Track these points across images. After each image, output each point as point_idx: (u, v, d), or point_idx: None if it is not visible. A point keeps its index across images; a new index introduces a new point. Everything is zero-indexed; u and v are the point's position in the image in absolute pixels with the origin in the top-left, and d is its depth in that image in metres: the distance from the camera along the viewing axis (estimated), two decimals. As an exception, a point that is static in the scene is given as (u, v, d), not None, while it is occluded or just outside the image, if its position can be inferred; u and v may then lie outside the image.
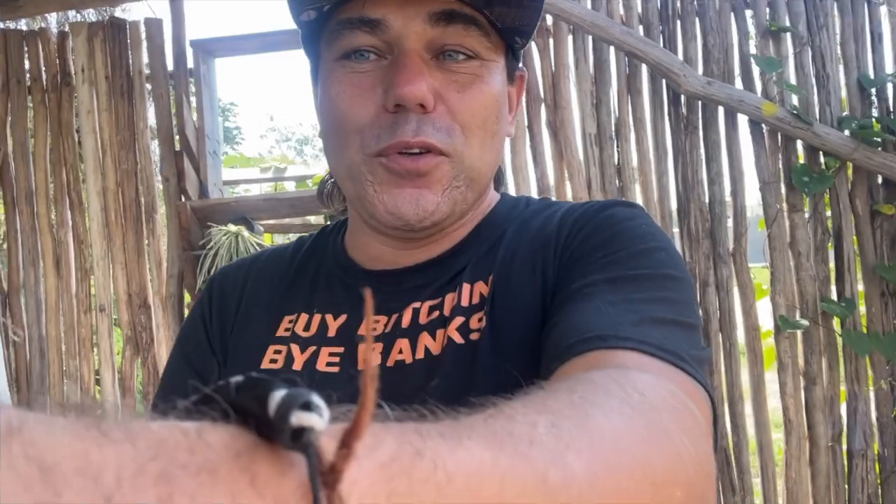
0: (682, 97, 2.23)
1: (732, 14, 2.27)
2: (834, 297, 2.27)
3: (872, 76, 2.25)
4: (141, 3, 2.58)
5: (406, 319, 0.58)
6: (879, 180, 2.23)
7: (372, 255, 0.63)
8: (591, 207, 0.60)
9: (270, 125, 16.45)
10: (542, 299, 0.55)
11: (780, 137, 2.23)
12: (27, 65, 2.33)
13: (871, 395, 2.22)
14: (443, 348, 0.55)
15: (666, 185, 2.27)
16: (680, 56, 2.24)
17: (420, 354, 0.56)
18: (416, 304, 0.58)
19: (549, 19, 2.24)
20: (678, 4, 2.27)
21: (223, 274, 0.70)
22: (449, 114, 0.54)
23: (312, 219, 2.46)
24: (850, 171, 2.24)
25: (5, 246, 2.37)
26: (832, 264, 2.27)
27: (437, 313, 0.57)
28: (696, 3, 2.26)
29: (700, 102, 2.22)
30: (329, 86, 0.56)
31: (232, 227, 2.05)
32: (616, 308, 0.48)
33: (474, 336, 0.55)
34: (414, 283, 0.60)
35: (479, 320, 0.56)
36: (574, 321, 0.48)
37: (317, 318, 0.61)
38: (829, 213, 2.26)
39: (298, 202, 2.25)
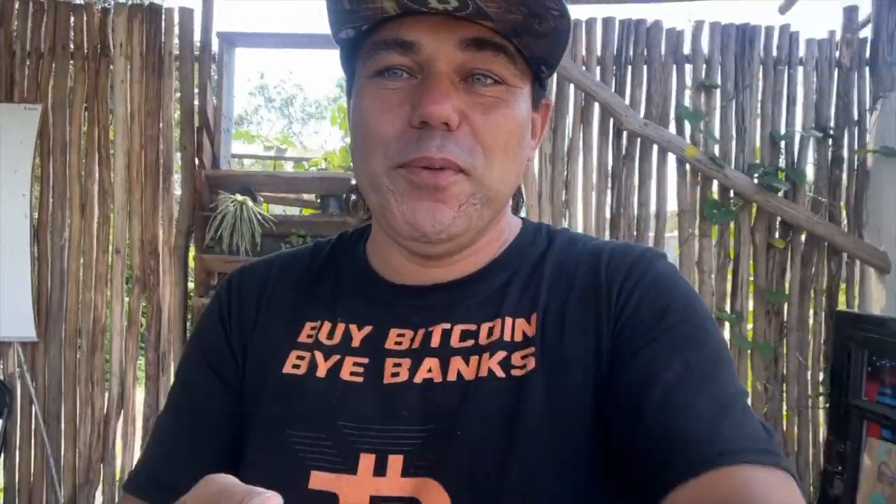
0: (624, 133, 2.68)
1: (675, 67, 2.72)
2: (728, 310, 2.76)
3: (783, 132, 2.73)
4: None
5: (436, 339, 0.59)
6: (778, 220, 2.72)
7: (395, 267, 0.63)
8: (636, 264, 0.61)
9: (260, 83, 16.28)
10: (595, 359, 0.56)
11: (699, 175, 2.70)
12: (72, 34, 2.69)
13: (749, 392, 2.73)
14: (477, 376, 0.56)
15: (603, 202, 2.73)
16: (627, 98, 2.68)
17: (452, 377, 0.57)
18: (446, 326, 0.59)
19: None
20: (631, 52, 2.71)
21: (242, 273, 0.69)
22: (472, 134, 0.56)
23: (305, 196, 2.88)
24: (754, 209, 2.72)
25: (38, 188, 2.74)
26: (729, 284, 2.76)
27: (471, 341, 0.58)
28: (645, 53, 2.70)
29: (638, 139, 2.67)
30: (360, 100, 0.58)
31: (239, 197, 2.46)
32: (704, 403, 0.50)
33: (516, 372, 0.56)
34: (441, 301, 0.61)
35: (523, 358, 0.56)
36: (671, 425, 0.49)
37: (341, 326, 0.62)
38: (732, 241, 2.75)
39: (295, 181, 2.67)
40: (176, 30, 2.70)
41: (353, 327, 0.61)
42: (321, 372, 0.59)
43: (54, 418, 2.66)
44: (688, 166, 2.69)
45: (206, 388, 0.63)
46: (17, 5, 2.67)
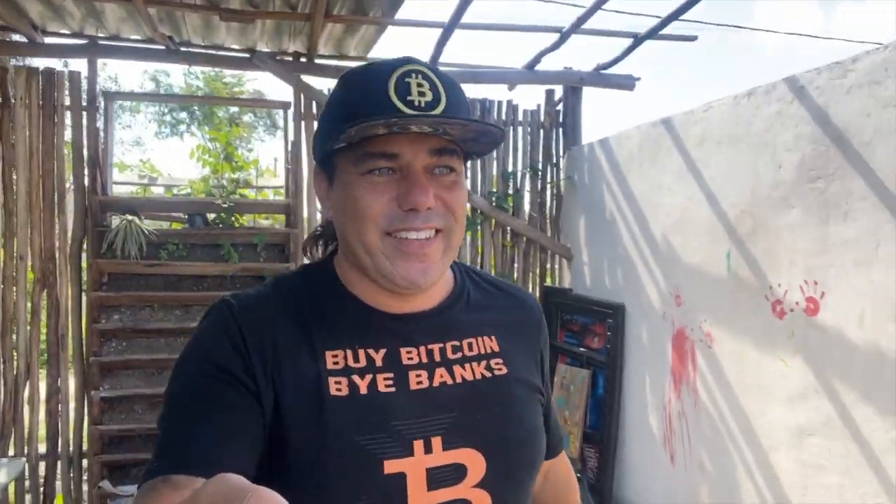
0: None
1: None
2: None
3: (510, 170, 4.15)
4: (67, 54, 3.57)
5: (437, 354, 0.81)
6: (508, 229, 4.14)
7: (382, 299, 0.82)
8: (546, 327, 0.98)
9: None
10: (539, 370, 0.92)
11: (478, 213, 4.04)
12: (-23, 88, 3.40)
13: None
14: (474, 378, 0.82)
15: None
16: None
17: (459, 379, 0.81)
18: (441, 344, 0.82)
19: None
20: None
21: (242, 311, 0.77)
22: (444, 206, 0.77)
23: (174, 214, 3.81)
24: (493, 222, 4.12)
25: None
26: (479, 270, 4.15)
27: (460, 353, 0.83)
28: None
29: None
30: (352, 190, 0.76)
31: (128, 216, 3.37)
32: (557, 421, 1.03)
33: (498, 374, 0.84)
34: (429, 325, 0.83)
35: (496, 364, 0.85)
36: (552, 429, 0.96)
37: (361, 352, 0.78)
38: (480, 242, 4.13)
39: (168, 203, 3.60)
40: (66, 87, 3.51)
41: (370, 351, 0.78)
42: (363, 389, 0.75)
43: (-32, 392, 3.37)
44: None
45: (232, 391, 0.72)
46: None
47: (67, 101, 3.51)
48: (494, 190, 4.12)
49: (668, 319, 3.21)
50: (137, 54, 3.61)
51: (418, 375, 0.78)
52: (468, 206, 4.04)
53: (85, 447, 3.53)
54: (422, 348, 0.80)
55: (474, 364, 0.83)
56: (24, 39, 3.56)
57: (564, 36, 3.47)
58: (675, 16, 3.19)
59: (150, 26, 3.22)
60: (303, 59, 3.83)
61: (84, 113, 3.53)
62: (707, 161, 3.06)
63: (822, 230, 2.46)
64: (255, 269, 3.68)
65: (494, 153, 4.13)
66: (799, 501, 2.47)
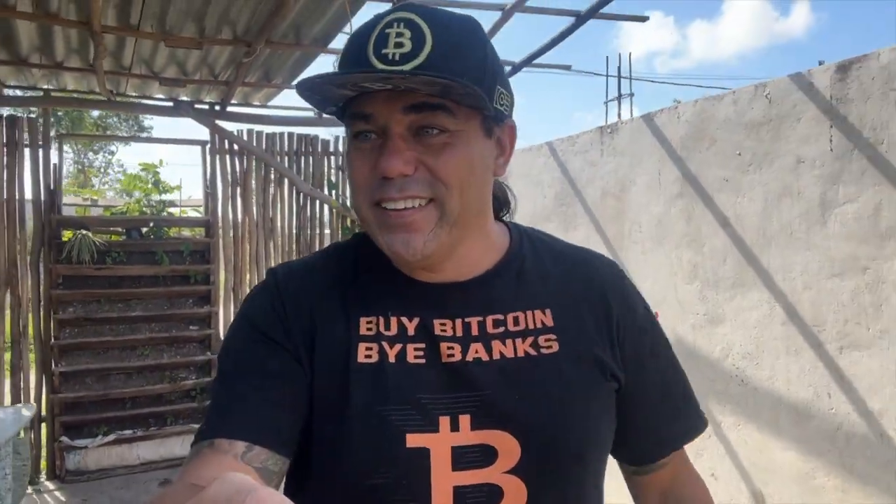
0: (301, 193, 5.18)
1: (326, 157, 5.29)
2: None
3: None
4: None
5: (475, 328, 0.74)
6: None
7: (414, 269, 0.76)
8: (631, 293, 0.85)
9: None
10: (612, 347, 0.79)
11: (338, 214, 5.31)
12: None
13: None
14: (516, 355, 0.74)
15: (293, 228, 5.19)
16: (302, 174, 5.17)
17: (497, 356, 0.73)
18: (480, 318, 0.75)
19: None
20: (303, 149, 5.21)
21: (286, 277, 0.78)
22: (429, 173, 0.68)
23: (111, 229, 4.81)
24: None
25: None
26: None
27: (502, 328, 0.75)
28: (311, 149, 5.23)
29: (308, 197, 5.19)
30: (348, 155, 0.73)
31: (82, 231, 4.36)
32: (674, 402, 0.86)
33: (545, 352, 0.74)
34: (468, 296, 0.76)
35: (547, 341, 0.75)
36: (656, 421, 0.84)
37: (394, 320, 0.74)
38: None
39: (110, 220, 4.61)
40: (26, 133, 4.45)
41: (404, 319, 0.74)
42: (391, 358, 0.72)
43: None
44: (334, 210, 5.29)
45: (276, 357, 0.72)
46: None
47: (27, 140, 4.45)
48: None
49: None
50: (84, 104, 4.61)
51: (450, 348, 0.73)
52: (347, 219, 5.34)
53: (44, 413, 4.46)
54: (458, 320, 0.75)
55: (518, 340, 0.75)
56: (-13, 91, 4.45)
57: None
58: (544, 50, 3.90)
59: (101, 86, 4.26)
60: (217, 108, 4.97)
61: (40, 150, 4.48)
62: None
63: (565, 235, 4.00)
64: (181, 270, 4.76)
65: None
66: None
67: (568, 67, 5.12)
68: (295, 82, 4.51)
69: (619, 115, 12.21)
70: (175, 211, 5.73)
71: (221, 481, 0.37)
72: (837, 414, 2.60)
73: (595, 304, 0.80)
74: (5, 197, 4.38)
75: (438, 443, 0.70)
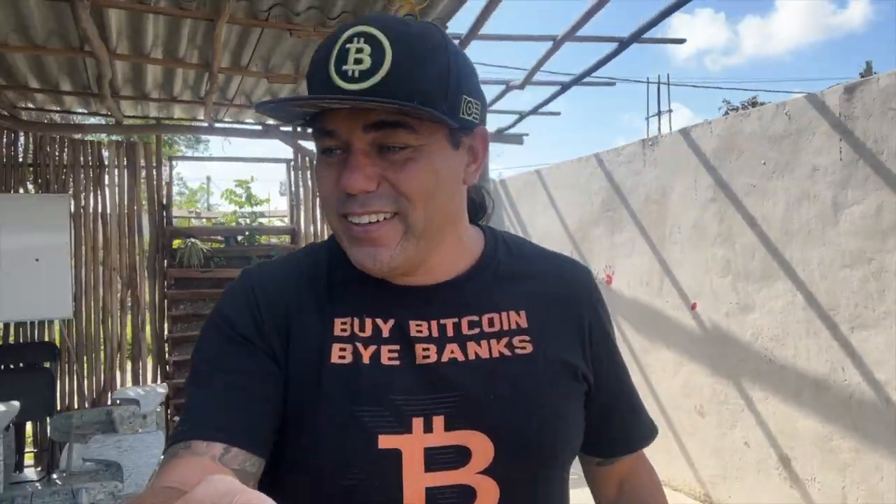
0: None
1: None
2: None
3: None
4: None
5: (450, 329, 0.74)
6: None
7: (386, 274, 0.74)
8: (598, 299, 0.85)
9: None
10: (583, 349, 0.79)
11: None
12: (81, 158, 5.05)
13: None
14: (491, 356, 0.73)
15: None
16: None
17: (472, 356, 0.73)
18: (455, 319, 0.75)
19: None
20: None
21: (261, 277, 0.77)
22: (393, 188, 0.68)
23: (216, 237, 5.53)
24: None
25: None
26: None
27: (477, 329, 0.75)
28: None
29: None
30: (317, 171, 0.73)
31: (189, 240, 5.08)
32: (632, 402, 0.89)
33: (520, 352, 0.74)
34: (443, 298, 0.76)
35: (521, 342, 0.75)
36: (619, 422, 0.86)
37: (368, 321, 0.73)
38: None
39: (212, 230, 5.33)
40: (142, 159, 5.21)
41: (378, 321, 0.73)
42: (365, 359, 0.71)
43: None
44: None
45: (251, 356, 0.71)
46: (56, 144, 4.97)
47: (143, 163, 5.21)
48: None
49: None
50: (189, 130, 5.34)
51: (425, 349, 0.73)
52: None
53: (159, 397, 5.19)
54: (433, 322, 0.74)
55: (493, 341, 0.75)
56: (112, 121, 5.23)
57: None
58: (590, 71, 4.31)
59: (207, 115, 4.98)
60: (299, 130, 5.64)
61: (154, 171, 5.23)
62: (558, 197, 5.10)
63: (611, 238, 4.52)
64: (272, 273, 5.45)
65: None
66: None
67: (613, 84, 5.61)
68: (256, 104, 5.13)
69: (660, 129, 13.10)
70: (264, 221, 6.45)
71: (208, 483, 0.36)
72: (850, 385, 3.04)
73: (568, 306, 0.80)
74: (126, 211, 5.14)
75: (411, 444, 0.69)
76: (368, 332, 0.73)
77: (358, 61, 0.65)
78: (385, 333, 0.73)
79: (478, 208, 0.87)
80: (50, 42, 3.66)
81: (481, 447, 0.71)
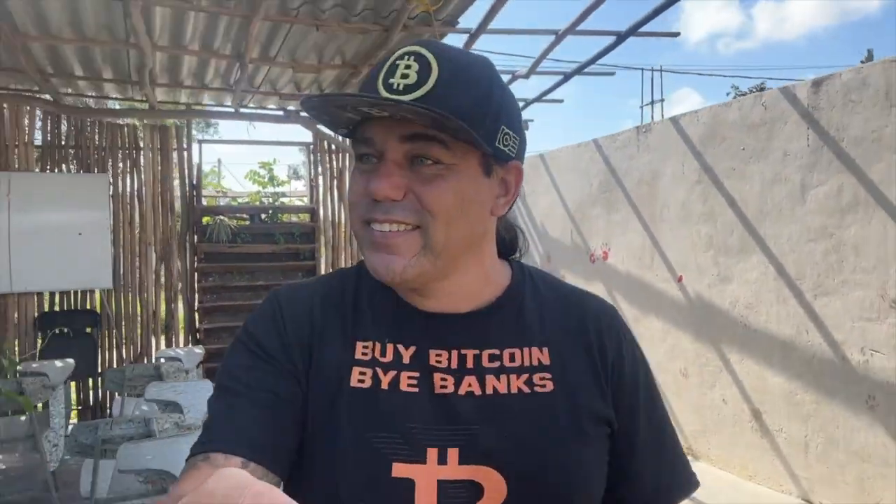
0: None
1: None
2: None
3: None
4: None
5: (470, 361, 0.73)
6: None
7: (413, 296, 0.76)
8: (626, 338, 0.83)
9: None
10: (600, 395, 0.76)
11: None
12: (118, 141, 5.47)
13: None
14: (509, 392, 0.72)
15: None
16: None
17: (489, 391, 0.72)
18: (476, 350, 0.74)
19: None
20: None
21: (288, 299, 0.78)
22: (418, 201, 0.68)
23: (242, 215, 5.95)
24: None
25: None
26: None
27: (497, 363, 0.74)
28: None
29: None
30: (351, 176, 0.75)
31: (220, 217, 5.50)
32: (668, 454, 0.82)
33: (539, 390, 0.73)
34: (466, 328, 0.75)
35: (542, 379, 0.74)
36: (645, 472, 0.79)
37: (390, 346, 0.73)
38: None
39: (238, 208, 5.75)
40: (174, 140, 5.62)
41: (400, 347, 0.73)
42: (384, 385, 0.71)
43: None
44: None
45: (275, 375, 0.72)
46: (96, 127, 5.39)
47: (174, 146, 5.62)
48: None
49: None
50: (216, 115, 5.75)
51: (443, 379, 0.72)
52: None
53: (191, 361, 5.64)
54: (454, 352, 0.74)
55: (512, 376, 0.73)
56: (146, 107, 5.65)
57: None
58: (590, 62, 4.62)
59: (234, 101, 5.38)
60: (319, 115, 6.04)
61: (185, 153, 5.65)
62: (559, 179, 5.49)
63: (608, 217, 4.92)
64: (293, 248, 5.87)
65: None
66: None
67: (612, 74, 5.97)
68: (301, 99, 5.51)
69: (652, 117, 14.15)
70: (286, 200, 6.87)
71: (219, 476, 0.37)
72: (812, 345, 3.44)
73: (591, 346, 0.78)
74: (159, 190, 5.56)
75: (425, 475, 0.68)
76: (389, 357, 0.73)
77: (405, 76, 0.68)
78: (406, 360, 0.73)
79: (508, 246, 0.86)
80: (100, 35, 4.06)
81: (494, 484, 0.69)
